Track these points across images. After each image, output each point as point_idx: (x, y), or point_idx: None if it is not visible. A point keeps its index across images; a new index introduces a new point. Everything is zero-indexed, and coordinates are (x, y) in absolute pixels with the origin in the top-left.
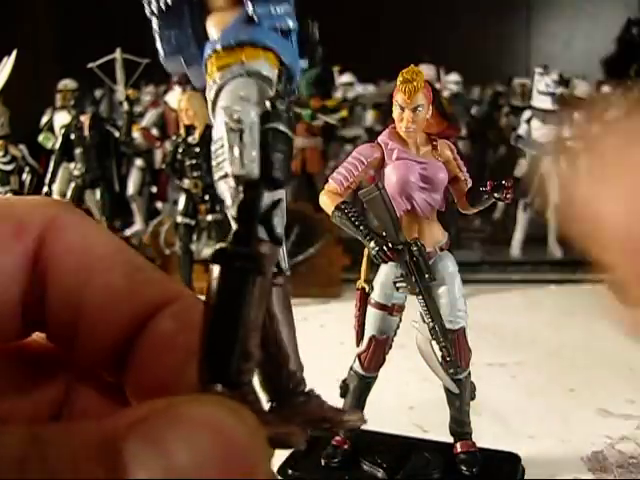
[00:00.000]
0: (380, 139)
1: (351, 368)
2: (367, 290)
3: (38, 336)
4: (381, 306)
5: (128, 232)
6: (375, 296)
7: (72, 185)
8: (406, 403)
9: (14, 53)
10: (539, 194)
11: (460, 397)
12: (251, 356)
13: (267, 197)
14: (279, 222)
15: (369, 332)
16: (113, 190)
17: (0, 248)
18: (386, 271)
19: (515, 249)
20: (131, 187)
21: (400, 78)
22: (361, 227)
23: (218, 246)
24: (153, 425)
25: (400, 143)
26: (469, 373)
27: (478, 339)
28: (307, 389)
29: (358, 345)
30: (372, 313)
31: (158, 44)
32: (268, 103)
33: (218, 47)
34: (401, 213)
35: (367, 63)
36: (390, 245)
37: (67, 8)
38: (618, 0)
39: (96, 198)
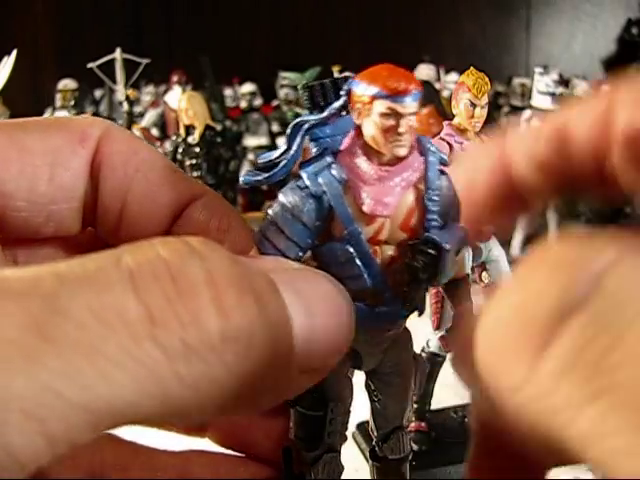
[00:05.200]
0: (444, 135)
1: (426, 352)
2: None
3: (89, 230)
4: None
5: None
6: None
7: None
8: None
9: (14, 53)
10: None
11: None
12: None
13: None
14: None
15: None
16: None
17: (69, 152)
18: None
19: (515, 249)
20: None
21: (472, 77)
22: None
23: None
24: (295, 280)
25: (462, 137)
26: None
27: None
28: None
29: (438, 329)
30: None
31: None
32: None
33: None
34: None
35: (367, 63)
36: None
37: (67, 8)
38: (618, 0)
39: None
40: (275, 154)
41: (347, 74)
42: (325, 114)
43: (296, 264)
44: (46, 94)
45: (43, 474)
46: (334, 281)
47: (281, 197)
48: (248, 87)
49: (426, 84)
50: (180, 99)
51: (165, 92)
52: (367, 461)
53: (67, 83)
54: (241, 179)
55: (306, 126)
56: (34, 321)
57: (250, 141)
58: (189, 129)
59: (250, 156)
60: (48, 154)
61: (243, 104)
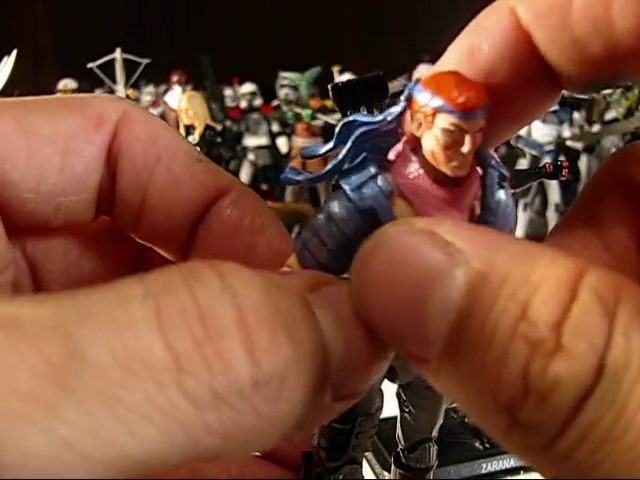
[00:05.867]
0: None
1: None
2: None
3: (104, 218)
4: None
5: None
6: None
7: None
8: None
9: (14, 53)
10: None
11: None
12: None
13: None
14: None
15: None
16: None
17: (83, 139)
18: None
19: None
20: None
21: None
22: None
23: None
24: (333, 301)
25: None
26: None
27: None
28: None
29: None
30: None
31: None
32: None
33: None
34: None
35: (367, 63)
36: None
37: (67, 8)
38: None
39: None
40: (321, 150)
41: (379, 73)
42: (380, 118)
43: (336, 279)
44: (46, 94)
45: None
46: None
47: (327, 207)
48: (248, 87)
49: None
50: (180, 99)
51: (165, 92)
52: (367, 461)
53: (67, 83)
54: (281, 177)
55: (359, 132)
56: (51, 368)
57: (250, 141)
58: (189, 129)
59: (250, 156)
60: (59, 140)
61: (243, 104)
